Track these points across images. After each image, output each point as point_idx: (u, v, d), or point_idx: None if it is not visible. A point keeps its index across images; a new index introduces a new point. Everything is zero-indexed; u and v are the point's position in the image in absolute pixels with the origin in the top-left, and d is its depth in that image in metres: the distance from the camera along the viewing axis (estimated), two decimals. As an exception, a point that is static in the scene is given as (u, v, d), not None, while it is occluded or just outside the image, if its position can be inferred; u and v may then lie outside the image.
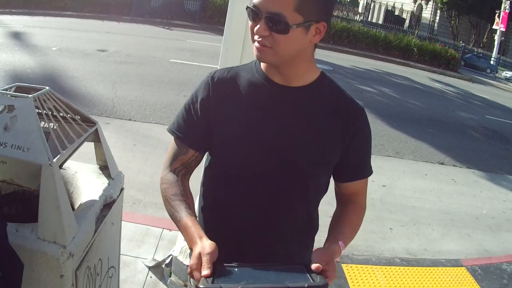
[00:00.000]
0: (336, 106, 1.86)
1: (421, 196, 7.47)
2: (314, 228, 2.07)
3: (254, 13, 1.64)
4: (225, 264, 1.46)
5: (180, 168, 1.90)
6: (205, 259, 1.46)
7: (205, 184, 2.01)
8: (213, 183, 1.96)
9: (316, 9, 1.65)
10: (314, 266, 1.48)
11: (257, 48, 1.69)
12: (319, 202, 2.03)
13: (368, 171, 2.01)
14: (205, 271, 1.43)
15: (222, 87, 1.85)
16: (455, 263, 5.48)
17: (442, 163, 9.51)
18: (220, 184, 1.92)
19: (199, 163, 1.95)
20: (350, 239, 1.85)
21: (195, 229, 1.63)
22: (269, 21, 1.61)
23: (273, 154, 1.78)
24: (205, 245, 1.53)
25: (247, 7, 1.67)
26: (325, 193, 2.01)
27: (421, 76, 24.39)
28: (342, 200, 2.02)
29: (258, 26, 1.63)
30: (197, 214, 1.94)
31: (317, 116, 1.82)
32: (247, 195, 1.82)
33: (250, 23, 1.70)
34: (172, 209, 1.77)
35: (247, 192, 1.82)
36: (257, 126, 1.79)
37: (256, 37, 1.68)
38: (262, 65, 1.85)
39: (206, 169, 2.00)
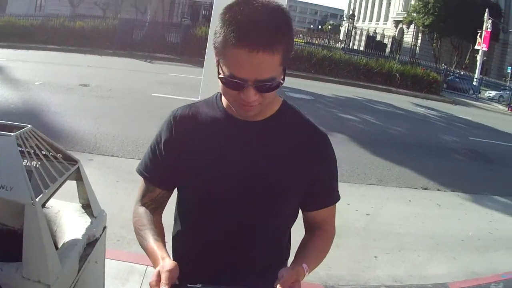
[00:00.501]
0: (299, 135, 1.89)
1: (405, 223, 7.58)
2: (285, 254, 2.10)
3: (238, 84, 1.60)
4: (189, 285, 1.53)
5: (150, 203, 1.97)
6: (163, 276, 1.53)
7: (176, 214, 2.09)
8: (184, 214, 2.04)
9: (291, 51, 1.67)
10: (279, 285, 1.55)
11: (243, 109, 1.70)
12: (289, 229, 2.08)
13: (335, 198, 2.04)
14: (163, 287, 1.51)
15: (184, 125, 1.90)
16: (442, 287, 5.60)
17: (426, 188, 9.68)
18: (190, 217, 2.01)
19: (168, 198, 2.02)
20: (315, 265, 1.88)
21: (159, 251, 1.70)
22: (260, 87, 1.61)
23: (238, 189, 1.83)
24: (166, 263, 1.59)
25: (223, 78, 1.64)
26: (294, 221, 2.05)
27: (403, 101, 24.80)
28: (310, 228, 2.05)
29: (245, 94, 1.61)
30: (173, 240, 2.08)
31: (280, 147, 1.85)
32: (216, 227, 1.90)
33: (224, 88, 1.68)
34: (141, 238, 1.84)
35: (216, 224, 1.89)
36: (220, 162, 1.83)
37: (239, 100, 1.67)
38: (223, 100, 1.88)
39: (177, 199, 2.07)
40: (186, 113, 1.93)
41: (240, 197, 1.83)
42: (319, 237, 2.00)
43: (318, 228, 2.02)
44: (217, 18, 1.65)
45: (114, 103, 12.82)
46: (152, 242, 1.76)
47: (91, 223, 2.63)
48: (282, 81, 1.66)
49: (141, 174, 1.99)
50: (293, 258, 1.88)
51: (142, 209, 1.95)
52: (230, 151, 1.84)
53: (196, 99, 2.19)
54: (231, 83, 1.61)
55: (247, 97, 1.61)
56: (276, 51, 1.55)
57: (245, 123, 1.82)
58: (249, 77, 1.57)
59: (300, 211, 2.05)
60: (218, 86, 1.70)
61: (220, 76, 1.65)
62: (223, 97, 1.87)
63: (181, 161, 1.88)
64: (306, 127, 1.94)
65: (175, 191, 2.03)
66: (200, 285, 1.51)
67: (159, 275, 1.54)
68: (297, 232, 2.08)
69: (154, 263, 1.68)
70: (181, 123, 1.91)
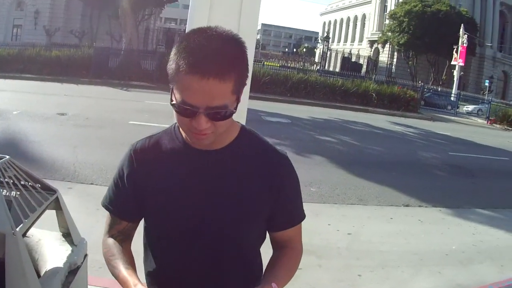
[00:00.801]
0: (258, 159, 1.92)
1: (387, 240, 7.65)
2: (258, 277, 2.09)
3: (189, 111, 1.63)
4: None
5: (117, 234, 2.01)
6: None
7: (145, 241, 2.11)
8: (151, 244, 2.07)
9: (244, 79, 1.70)
10: None
11: (196, 137, 1.72)
12: (258, 251, 2.11)
13: (299, 217, 2.05)
14: None
15: (144, 157, 1.93)
16: (429, 302, 5.66)
17: (407, 205, 9.79)
18: (157, 247, 2.03)
19: (135, 228, 2.06)
20: (284, 283, 1.89)
21: (131, 278, 1.74)
22: (211, 115, 1.63)
23: (200, 218, 1.86)
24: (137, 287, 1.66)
25: (175, 105, 1.67)
26: (263, 241, 2.08)
27: (381, 120, 25.05)
28: (278, 247, 2.07)
29: (197, 121, 1.63)
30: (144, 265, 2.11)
31: (240, 173, 1.88)
32: (184, 257, 1.92)
33: (178, 116, 1.70)
34: (112, 268, 1.87)
35: (184, 255, 1.91)
36: (181, 192, 1.86)
37: (192, 128, 1.68)
38: (181, 130, 1.90)
39: (144, 228, 2.09)
40: (146, 145, 1.98)
41: (205, 227, 1.87)
42: (287, 255, 2.03)
43: (285, 246, 2.05)
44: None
45: (92, 131, 12.91)
46: (123, 270, 1.80)
47: (72, 251, 2.67)
48: (234, 110, 1.69)
49: (106, 207, 2.03)
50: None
51: (110, 240, 2.00)
52: (190, 182, 1.87)
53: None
54: (183, 110, 1.64)
55: (199, 125, 1.64)
56: (227, 78, 1.58)
57: (204, 152, 1.86)
58: (200, 104, 1.60)
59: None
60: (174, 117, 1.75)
61: (172, 102, 1.68)
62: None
63: (143, 193, 1.92)
64: (265, 150, 1.97)
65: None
66: None
67: None
68: (266, 253, 2.12)
69: None
70: (141, 156, 1.95)
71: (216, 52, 1.58)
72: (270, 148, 1.98)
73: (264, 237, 2.09)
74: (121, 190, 1.96)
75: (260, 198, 1.90)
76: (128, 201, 1.95)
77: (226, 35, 1.66)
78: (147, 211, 1.95)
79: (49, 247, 2.66)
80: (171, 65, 1.66)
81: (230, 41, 1.66)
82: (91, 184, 8.61)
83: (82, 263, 2.71)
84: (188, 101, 1.61)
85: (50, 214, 2.66)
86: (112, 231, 2.02)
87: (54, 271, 2.44)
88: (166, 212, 1.89)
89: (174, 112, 1.70)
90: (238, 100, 1.71)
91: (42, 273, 2.46)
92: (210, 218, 1.86)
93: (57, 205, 2.63)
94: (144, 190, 1.91)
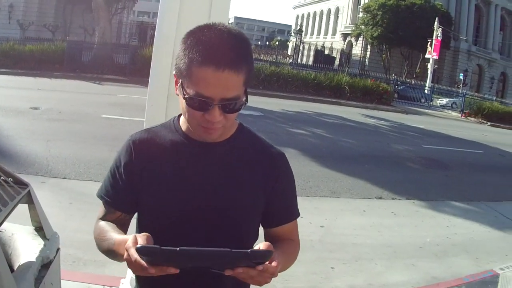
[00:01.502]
0: (256, 156, 1.98)
1: (361, 233, 7.65)
2: None
3: (204, 103, 1.66)
4: (163, 247, 1.48)
5: (111, 222, 1.98)
6: (140, 238, 1.55)
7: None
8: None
9: (253, 74, 1.77)
10: (261, 244, 1.63)
11: (207, 131, 1.76)
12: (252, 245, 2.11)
13: (295, 214, 2.11)
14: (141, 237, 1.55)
15: (143, 149, 1.93)
16: (404, 294, 5.66)
17: (380, 198, 9.81)
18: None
19: (129, 222, 2.06)
20: (283, 266, 1.86)
21: (129, 236, 1.67)
22: (225, 107, 1.68)
23: (199, 210, 1.87)
24: (140, 235, 1.60)
25: (189, 98, 1.68)
26: (256, 240, 2.06)
27: (353, 113, 25.21)
28: (275, 241, 2.03)
29: (211, 113, 1.67)
30: None
31: (238, 167, 1.93)
32: (179, 247, 1.87)
33: (189, 110, 1.72)
34: (106, 242, 1.85)
35: (178, 245, 1.73)
36: (181, 184, 1.88)
37: (203, 122, 1.72)
38: (182, 123, 1.95)
39: (137, 222, 2.07)
40: (145, 137, 1.98)
41: (203, 218, 1.88)
42: (286, 243, 2.03)
43: (283, 240, 2.06)
44: (178, 44, 1.76)
45: (65, 125, 12.86)
46: (116, 236, 1.80)
47: (45, 245, 2.64)
48: (246, 102, 1.74)
49: (101, 198, 2.02)
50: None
51: (103, 222, 1.97)
52: (190, 174, 1.89)
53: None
54: (196, 103, 1.67)
55: (213, 117, 1.67)
56: (240, 70, 1.64)
57: (205, 144, 1.89)
58: (215, 96, 1.64)
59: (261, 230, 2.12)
60: (180, 109, 1.78)
61: (186, 96, 1.69)
62: (181, 120, 1.96)
63: (142, 185, 1.92)
64: (263, 147, 2.03)
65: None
66: (178, 248, 1.47)
67: (135, 239, 1.56)
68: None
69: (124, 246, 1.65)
70: (140, 147, 1.95)
71: (229, 44, 1.66)
72: (267, 145, 2.05)
73: (257, 237, 2.08)
74: (118, 181, 1.96)
75: (258, 192, 1.96)
76: (124, 192, 1.96)
77: (234, 30, 1.73)
78: (142, 202, 1.96)
79: (22, 242, 2.64)
80: (181, 61, 1.70)
81: (241, 36, 1.74)
82: (64, 178, 8.53)
83: (54, 257, 2.68)
84: (203, 93, 1.65)
85: (23, 208, 2.62)
86: (105, 219, 2.00)
87: (27, 265, 2.42)
88: (164, 204, 1.90)
89: (184, 106, 1.73)
90: (246, 93, 1.75)
91: (15, 268, 2.44)
92: (209, 210, 1.88)
93: (29, 199, 2.59)
94: (140, 181, 1.92)
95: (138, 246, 1.49)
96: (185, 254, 1.47)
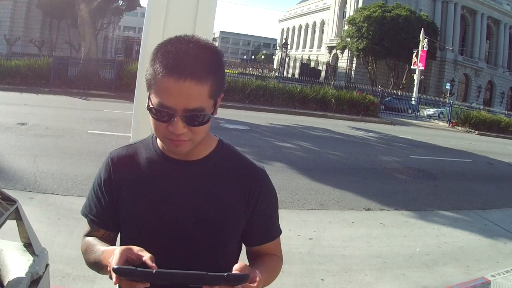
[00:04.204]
0: (236, 173, 1.95)
1: (350, 244, 7.65)
2: None
3: (166, 114, 1.64)
4: (139, 269, 1.49)
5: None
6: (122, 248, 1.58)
7: None
8: None
9: (221, 86, 1.75)
10: (237, 266, 1.63)
11: (173, 144, 1.73)
12: (232, 265, 1.99)
13: (277, 232, 2.10)
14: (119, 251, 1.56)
15: (121, 166, 1.94)
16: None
17: (368, 209, 9.81)
18: None
19: (116, 238, 2.05)
20: (266, 281, 1.90)
21: (113, 248, 1.74)
22: (188, 118, 1.65)
23: (175, 230, 1.87)
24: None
25: (152, 108, 1.67)
26: (238, 257, 2.08)
27: (340, 125, 25.33)
28: (256, 258, 2.09)
29: (174, 125, 1.64)
30: None
31: (217, 187, 1.90)
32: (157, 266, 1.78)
33: (154, 121, 1.71)
34: (93, 255, 1.86)
35: (156, 264, 1.76)
36: (157, 204, 1.87)
37: (168, 134, 1.70)
38: (159, 141, 1.91)
39: (121, 238, 2.06)
40: (123, 154, 1.99)
41: (180, 239, 1.87)
42: (269, 258, 2.06)
43: (266, 255, 2.08)
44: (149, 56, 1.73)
45: (52, 141, 12.84)
46: (103, 247, 1.82)
47: (34, 261, 2.65)
48: (211, 115, 1.72)
49: (85, 216, 2.03)
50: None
51: (90, 237, 1.99)
52: (165, 192, 1.88)
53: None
54: (159, 113, 1.65)
55: (176, 129, 1.65)
56: (204, 81, 1.62)
57: (181, 163, 1.88)
58: (177, 106, 1.62)
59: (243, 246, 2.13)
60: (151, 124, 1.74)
61: (149, 107, 1.69)
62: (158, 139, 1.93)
63: (120, 202, 1.93)
64: (243, 164, 2.00)
65: None
66: (155, 270, 1.49)
67: (121, 252, 1.59)
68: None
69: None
70: (118, 164, 1.96)
71: (193, 54, 1.63)
72: (248, 163, 2.02)
73: (239, 252, 2.11)
74: (100, 199, 1.96)
75: (236, 212, 1.93)
76: (106, 209, 1.96)
77: (204, 43, 1.71)
78: (121, 220, 1.95)
79: (11, 258, 2.65)
80: (148, 71, 1.69)
81: (208, 47, 1.70)
82: (52, 193, 8.50)
83: (44, 272, 2.69)
84: (165, 104, 1.63)
85: (11, 225, 2.64)
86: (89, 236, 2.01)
87: (17, 281, 2.43)
88: (140, 223, 1.89)
89: (150, 119, 1.72)
90: (215, 107, 1.74)
91: (5, 284, 2.45)
92: (185, 230, 1.87)
93: (18, 215, 2.61)
94: (119, 198, 1.93)
95: (114, 267, 1.49)
96: (161, 277, 1.48)
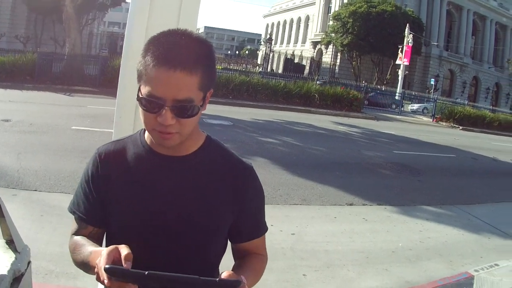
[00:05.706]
0: (224, 170, 1.95)
1: (332, 239, 7.64)
2: None
3: (156, 104, 1.65)
4: (132, 270, 1.49)
5: (85, 237, 1.96)
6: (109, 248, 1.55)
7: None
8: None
9: (212, 80, 1.75)
10: (225, 273, 1.59)
11: (162, 137, 1.73)
12: (218, 263, 2.12)
13: (263, 229, 2.11)
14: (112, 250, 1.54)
15: (109, 162, 1.93)
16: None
17: (351, 204, 9.82)
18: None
19: (103, 235, 2.03)
20: (251, 282, 1.91)
21: (101, 249, 1.71)
22: (177, 109, 1.65)
23: (160, 226, 1.86)
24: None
25: (141, 98, 1.68)
26: (223, 254, 2.10)
27: (323, 121, 25.36)
28: (242, 256, 2.10)
29: (162, 116, 1.65)
30: None
31: (204, 183, 1.91)
32: (144, 262, 1.73)
33: (143, 112, 1.71)
34: (81, 256, 1.84)
35: (143, 262, 1.74)
36: (143, 200, 1.87)
37: (157, 126, 1.70)
38: (147, 136, 1.92)
39: (106, 234, 2.05)
40: (111, 150, 1.98)
41: (166, 234, 1.87)
42: (254, 258, 2.07)
43: (251, 254, 2.09)
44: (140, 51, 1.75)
45: (36, 137, 12.77)
46: (94, 247, 1.80)
47: (16, 258, 2.65)
48: (201, 107, 1.73)
49: (72, 212, 2.01)
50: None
51: (77, 237, 1.97)
52: (153, 188, 1.88)
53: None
54: (148, 104, 1.66)
55: (164, 120, 1.65)
56: (194, 72, 1.64)
57: (168, 158, 1.89)
58: (166, 96, 1.63)
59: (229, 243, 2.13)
60: (140, 119, 1.75)
61: (138, 97, 1.70)
62: (146, 133, 1.93)
63: (107, 198, 1.92)
64: (230, 160, 2.01)
65: None
66: (147, 272, 1.47)
67: (110, 252, 1.55)
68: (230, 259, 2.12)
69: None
70: (106, 160, 1.95)
71: (184, 45, 1.66)
72: (236, 159, 2.02)
73: (224, 250, 2.11)
74: (88, 195, 1.96)
75: (224, 207, 1.94)
76: (94, 206, 1.95)
77: (195, 34, 1.74)
78: (108, 216, 1.94)
79: None
80: (140, 62, 1.71)
81: (200, 40, 1.74)
82: (35, 190, 8.45)
83: (26, 270, 2.69)
84: (154, 94, 1.64)
85: None
86: (77, 234, 1.99)
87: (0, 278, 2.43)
88: (127, 219, 1.89)
89: (140, 110, 1.72)
90: (204, 100, 1.75)
91: None
92: (173, 225, 1.87)
93: (0, 213, 2.60)
94: (106, 194, 1.92)
95: (106, 266, 1.46)
96: (153, 278, 1.47)
